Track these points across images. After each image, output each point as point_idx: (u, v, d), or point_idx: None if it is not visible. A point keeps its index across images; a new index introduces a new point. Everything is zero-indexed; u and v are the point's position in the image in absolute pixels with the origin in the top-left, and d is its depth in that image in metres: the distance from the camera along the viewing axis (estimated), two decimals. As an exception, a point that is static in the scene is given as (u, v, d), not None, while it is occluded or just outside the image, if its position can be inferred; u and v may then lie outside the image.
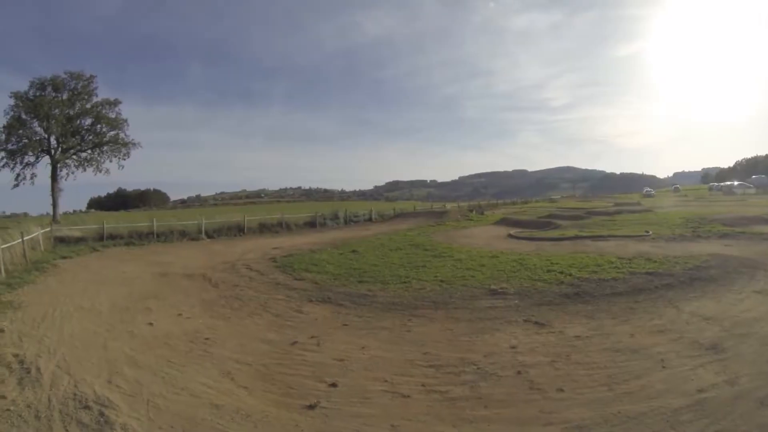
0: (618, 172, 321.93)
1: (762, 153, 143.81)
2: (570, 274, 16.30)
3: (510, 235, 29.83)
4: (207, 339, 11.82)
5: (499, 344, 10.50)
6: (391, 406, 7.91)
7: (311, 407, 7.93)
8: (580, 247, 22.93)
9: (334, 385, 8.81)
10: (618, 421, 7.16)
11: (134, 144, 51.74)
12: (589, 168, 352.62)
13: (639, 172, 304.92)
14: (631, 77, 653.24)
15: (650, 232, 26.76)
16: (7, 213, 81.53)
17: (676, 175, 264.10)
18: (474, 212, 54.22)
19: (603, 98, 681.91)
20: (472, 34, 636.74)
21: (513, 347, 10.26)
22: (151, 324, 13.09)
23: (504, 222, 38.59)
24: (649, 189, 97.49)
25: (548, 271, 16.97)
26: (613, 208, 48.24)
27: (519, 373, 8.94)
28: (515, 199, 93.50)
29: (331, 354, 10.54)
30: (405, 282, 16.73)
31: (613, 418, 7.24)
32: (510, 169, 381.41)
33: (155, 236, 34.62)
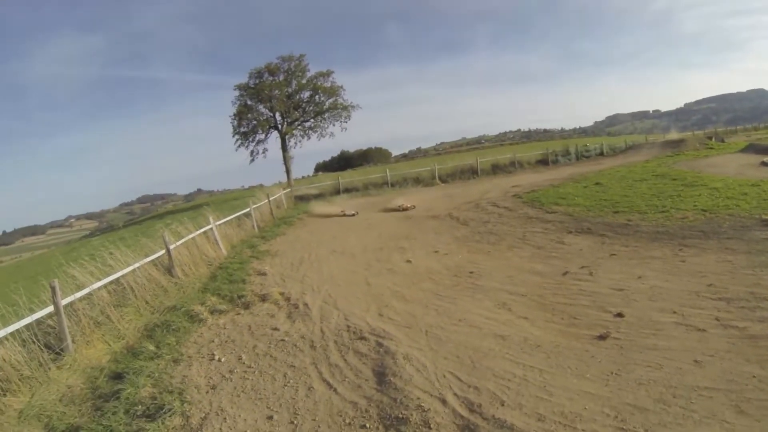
0: None
1: None
2: None
3: (764, 163, 26.11)
4: (471, 273, 11.93)
5: None
6: (687, 340, 7.32)
7: (602, 338, 7.65)
8: None
9: (620, 315, 8.42)
10: None
11: (353, 106, 54.85)
12: None
13: None
14: None
15: None
16: (246, 186, 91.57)
17: None
18: (713, 140, 48.94)
19: None
20: None
21: None
22: (409, 261, 13.54)
23: (751, 149, 33.80)
24: None
25: None
26: None
27: None
28: (756, 125, 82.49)
29: (607, 284, 10.09)
30: (663, 211, 15.53)
31: None
32: (744, 89, 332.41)
33: (389, 185, 36.08)
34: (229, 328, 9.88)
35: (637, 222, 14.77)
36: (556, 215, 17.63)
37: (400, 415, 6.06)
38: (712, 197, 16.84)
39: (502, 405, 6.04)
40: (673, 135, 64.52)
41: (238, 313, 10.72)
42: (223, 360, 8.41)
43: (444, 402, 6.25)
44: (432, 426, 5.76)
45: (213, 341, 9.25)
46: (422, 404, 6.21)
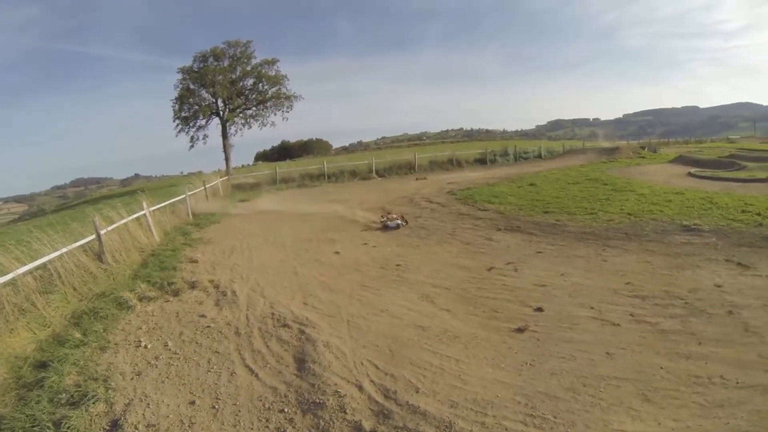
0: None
1: None
2: None
3: (690, 174, 27.48)
4: (398, 265, 12.09)
5: (703, 282, 9.72)
6: (601, 333, 7.66)
7: (520, 330, 7.89)
8: None
9: (539, 309, 8.71)
10: None
11: (296, 96, 54.50)
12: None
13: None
14: None
15: None
16: (185, 173, 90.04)
17: None
18: (646, 150, 50.84)
19: None
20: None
21: (718, 286, 9.45)
22: (337, 252, 13.62)
23: (680, 160, 35.47)
24: None
25: (743, 211, 15.23)
26: None
27: (730, 313, 8.23)
28: (687, 138, 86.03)
29: (531, 280, 10.40)
30: (591, 213, 16.07)
31: None
32: (679, 105, 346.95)
33: (326, 177, 36.01)
34: (157, 315, 9.74)
35: (565, 222, 15.24)
36: (488, 213, 18.00)
37: (318, 400, 6.15)
38: (638, 202, 17.56)
39: (417, 392, 6.20)
40: (605, 143, 66.41)
41: (167, 300, 10.57)
42: (149, 347, 8.29)
43: (360, 388, 6.38)
44: (347, 411, 5.87)
45: (141, 328, 9.10)
46: (339, 390, 6.32)
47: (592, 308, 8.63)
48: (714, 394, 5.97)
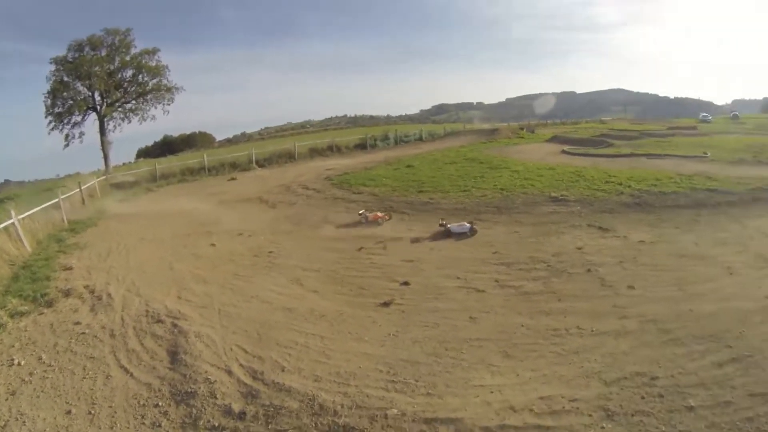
0: (672, 96, 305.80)
1: None
2: (629, 186, 16.23)
3: (563, 151, 29.60)
4: (271, 252, 12.29)
5: (566, 246, 10.71)
6: (467, 300, 8.25)
7: (386, 304, 8.34)
8: (637, 164, 22.59)
9: (406, 283, 9.18)
10: (691, 317, 7.41)
11: (177, 88, 51.68)
12: (641, 90, 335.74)
13: (695, 96, 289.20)
14: None
15: (708, 154, 26.02)
16: (61, 175, 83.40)
17: (735, 102, 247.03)
18: (524, 130, 53.43)
19: (657, 15, 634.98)
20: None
21: (579, 248, 10.49)
22: (213, 245, 13.56)
23: (556, 139, 37.98)
24: (705, 114, 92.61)
25: (606, 182, 16.90)
26: (668, 131, 46.98)
27: (589, 271, 9.20)
28: (565, 120, 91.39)
29: (399, 256, 10.91)
30: (465, 190, 16.88)
31: (686, 314, 7.49)
32: (558, 90, 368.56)
33: (207, 171, 34.99)
34: (30, 330, 9.17)
35: (438, 200, 15.95)
36: (362, 196, 18.41)
37: (189, 390, 6.27)
38: (511, 178, 18.68)
39: (283, 371, 6.48)
40: (486, 125, 69.17)
41: (41, 313, 9.96)
42: (23, 363, 7.83)
43: (230, 373, 6.57)
44: (218, 396, 6.06)
45: (13, 346, 8.53)
46: (209, 377, 6.48)
47: (459, 278, 9.23)
48: (570, 343, 6.70)
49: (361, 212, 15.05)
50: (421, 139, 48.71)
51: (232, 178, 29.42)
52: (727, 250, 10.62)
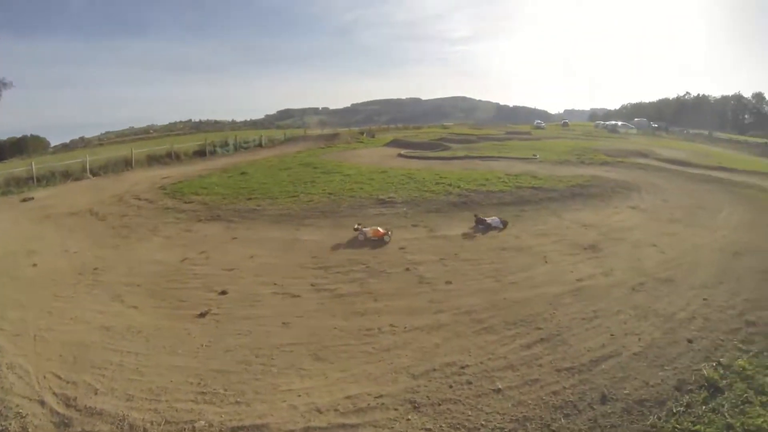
0: (511, 105, 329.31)
1: (645, 100, 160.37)
2: (458, 186, 17.26)
3: (400, 155, 30.67)
4: (96, 269, 11.62)
5: (389, 246, 11.19)
6: (281, 306, 8.31)
7: (202, 315, 8.19)
8: (470, 165, 24.07)
9: (224, 292, 9.07)
10: (505, 305, 8.04)
11: (5, 83, 47.26)
12: (483, 99, 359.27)
13: (531, 105, 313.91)
14: (534, 14, 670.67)
15: (538, 156, 28.41)
16: None
17: (566, 111, 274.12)
18: (365, 135, 54.56)
19: (501, 33, 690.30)
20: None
21: (402, 248, 10.97)
22: (34, 265, 12.59)
23: (395, 143, 39.28)
24: (539, 121, 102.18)
25: (437, 183, 17.84)
26: (504, 136, 51.09)
27: (408, 269, 9.62)
28: (408, 125, 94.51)
29: (221, 265, 10.74)
30: (294, 196, 16.90)
31: (500, 303, 8.11)
32: (404, 97, 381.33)
33: (35, 181, 32.51)
34: None
35: (265, 207, 15.87)
36: (192, 205, 17.92)
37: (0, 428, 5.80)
38: (342, 183, 19.03)
39: (96, 393, 6.20)
40: (327, 130, 70.01)
41: None
42: None
43: (43, 403, 6.17)
44: (30, 429, 5.68)
45: None
46: (21, 410, 6.04)
47: (276, 284, 9.27)
48: (382, 342, 6.92)
49: (356, 227, 12.93)
50: (260, 145, 48.23)
51: (26, 199, 26.61)
52: (545, 240, 11.77)
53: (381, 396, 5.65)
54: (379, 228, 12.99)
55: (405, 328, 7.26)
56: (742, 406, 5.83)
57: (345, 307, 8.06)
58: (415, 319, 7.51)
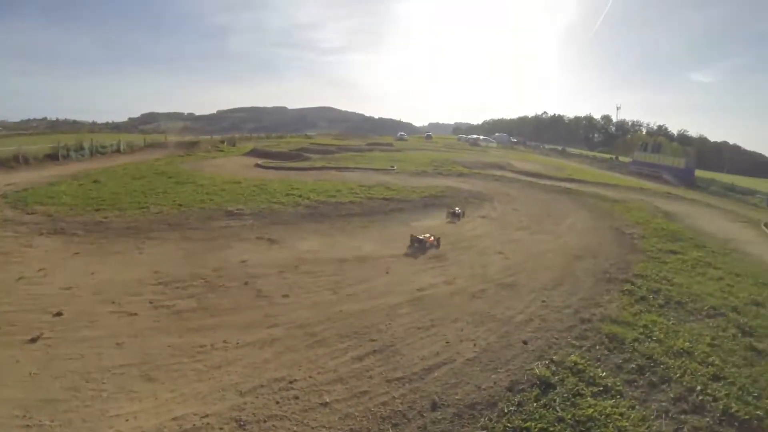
0: (377, 117, 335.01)
1: (506, 117, 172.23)
2: (308, 198, 17.58)
3: (258, 165, 30.55)
4: None
5: (230, 260, 11.08)
6: (117, 326, 7.96)
7: (33, 340, 7.64)
8: (325, 176, 24.51)
9: (59, 314, 8.54)
10: (340, 317, 8.25)
11: None
12: (350, 110, 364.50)
13: (397, 118, 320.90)
14: (405, 31, 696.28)
15: (395, 167, 29.16)
16: None
17: (431, 125, 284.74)
18: (226, 144, 53.81)
19: (373, 46, 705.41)
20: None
21: (243, 261, 10.94)
22: None
23: (254, 153, 39.06)
24: (402, 133, 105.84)
25: (287, 194, 18.07)
26: (366, 147, 52.28)
27: (246, 283, 9.63)
28: (271, 134, 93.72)
29: (59, 284, 10.08)
30: (144, 207, 16.26)
31: (336, 316, 8.32)
32: (270, 105, 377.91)
33: None
34: None
35: (112, 219, 15.16)
36: (35, 216, 16.76)
37: None
38: (194, 193, 18.69)
39: None
40: (188, 137, 68.11)
41: None
42: None
43: None
44: None
45: None
46: None
47: (114, 303, 8.88)
48: (214, 359, 6.88)
49: (422, 237, 12.87)
50: (119, 150, 46.02)
51: None
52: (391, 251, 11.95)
53: (207, 416, 5.61)
54: (428, 235, 13.11)
55: (237, 343, 7.26)
56: (573, 399, 6.34)
57: (181, 324, 7.89)
58: (249, 334, 7.53)
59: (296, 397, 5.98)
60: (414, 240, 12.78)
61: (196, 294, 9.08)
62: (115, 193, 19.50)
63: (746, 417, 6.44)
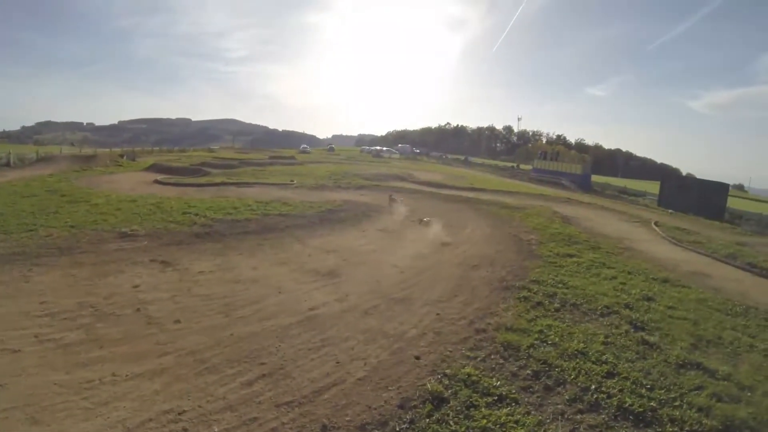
0: (281, 129, 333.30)
1: (410, 128, 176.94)
2: (205, 216, 17.27)
3: (156, 181, 29.78)
4: None
5: (122, 285, 10.63)
6: None
7: None
8: (223, 193, 24.21)
9: (-67, 359, 7.96)
10: (231, 341, 8.14)
11: None
12: (254, 122, 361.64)
13: (300, 130, 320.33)
14: (312, 44, 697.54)
15: (294, 182, 29.31)
16: None
17: (335, 137, 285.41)
18: (125, 158, 51.96)
19: (280, 57, 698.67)
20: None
21: (135, 287, 10.54)
22: None
23: (154, 168, 37.87)
24: (305, 146, 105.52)
25: (184, 213, 17.65)
26: (267, 160, 52.03)
27: (138, 310, 9.29)
28: (173, 148, 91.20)
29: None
30: (32, 230, 15.17)
31: (227, 339, 8.20)
32: (174, 116, 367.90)
33: None
34: None
35: (-5, 245, 14.20)
36: None
37: None
38: (87, 213, 17.81)
39: None
40: (87, 150, 65.20)
41: None
42: None
43: None
44: None
45: None
46: None
47: (-6, 340, 8.29)
48: (102, 394, 6.56)
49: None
50: (8, 164, 43.30)
51: None
52: (284, 269, 12.12)
53: (93, 456, 5.42)
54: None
55: (126, 376, 6.97)
56: (467, 411, 6.45)
57: (68, 359, 7.45)
58: (139, 365, 7.26)
59: (185, 429, 5.82)
60: None
61: (85, 324, 8.61)
62: (0, 214, 18.37)
63: (640, 410, 6.80)
